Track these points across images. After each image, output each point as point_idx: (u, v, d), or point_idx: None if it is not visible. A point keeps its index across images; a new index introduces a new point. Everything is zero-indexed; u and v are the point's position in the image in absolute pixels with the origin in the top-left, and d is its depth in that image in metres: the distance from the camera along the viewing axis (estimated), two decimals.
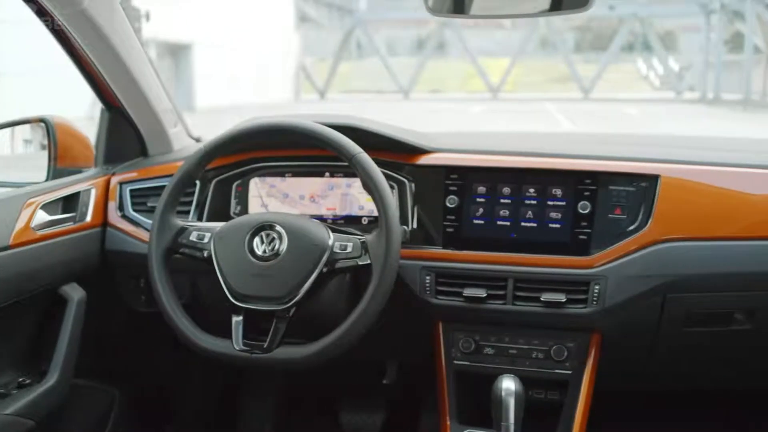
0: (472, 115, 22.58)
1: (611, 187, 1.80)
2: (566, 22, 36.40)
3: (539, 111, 24.03)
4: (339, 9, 39.18)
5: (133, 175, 2.11)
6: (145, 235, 1.98)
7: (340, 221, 1.95)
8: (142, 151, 2.22)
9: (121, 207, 2.07)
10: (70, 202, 1.98)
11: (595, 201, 1.79)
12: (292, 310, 1.63)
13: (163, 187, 1.79)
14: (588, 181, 1.80)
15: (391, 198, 1.64)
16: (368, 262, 1.63)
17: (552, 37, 35.88)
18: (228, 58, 26.33)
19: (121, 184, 2.09)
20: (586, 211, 1.79)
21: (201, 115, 18.50)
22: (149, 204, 2.04)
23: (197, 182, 1.98)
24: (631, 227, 1.77)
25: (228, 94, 25.36)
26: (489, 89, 33.95)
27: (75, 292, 1.94)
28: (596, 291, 1.74)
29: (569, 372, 1.81)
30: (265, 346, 1.62)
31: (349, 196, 1.96)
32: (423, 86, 36.44)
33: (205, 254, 1.71)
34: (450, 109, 24.45)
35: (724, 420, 2.51)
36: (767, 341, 1.89)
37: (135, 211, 2.06)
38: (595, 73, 34.12)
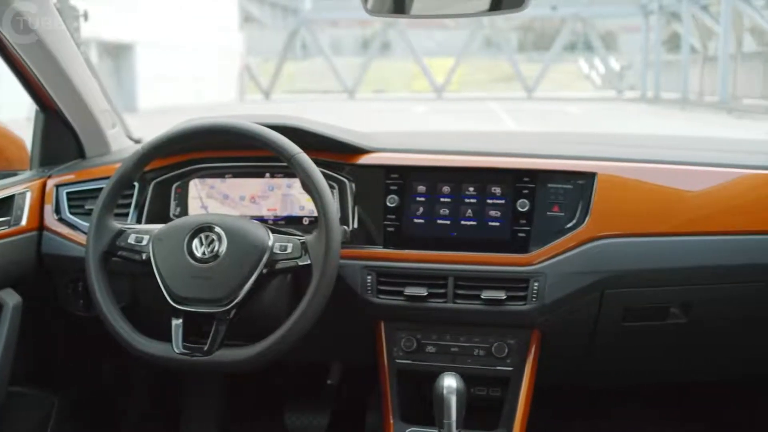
0: (417, 114, 22.65)
1: (549, 185, 1.82)
2: (509, 22, 36.73)
3: (484, 110, 24.20)
4: (283, 9, 38.97)
5: (69, 177, 2.07)
6: (82, 239, 1.95)
7: (281, 222, 1.95)
8: (80, 153, 2.18)
9: (57, 210, 2.03)
10: (4, 206, 1.94)
11: (533, 199, 1.81)
12: (233, 312, 1.62)
13: (100, 189, 1.77)
14: (527, 179, 1.82)
15: (331, 198, 1.65)
16: (308, 262, 1.63)
17: (496, 36, 36.16)
18: (171, 59, 26.01)
19: (57, 186, 2.05)
20: (525, 209, 1.81)
21: (144, 117, 18.26)
22: (87, 207, 2.01)
23: (136, 184, 1.96)
24: (569, 224, 1.79)
25: (172, 94, 25.04)
26: (434, 89, 34.07)
27: (10, 298, 1.91)
28: (535, 288, 1.76)
29: (510, 369, 1.83)
30: (206, 348, 1.61)
31: (290, 197, 1.96)
32: (368, 86, 36.43)
33: (144, 257, 1.69)
34: (395, 109, 24.48)
35: (664, 414, 2.56)
36: (703, 335, 1.93)
37: (72, 214, 2.02)
38: (539, 73, 34.48)
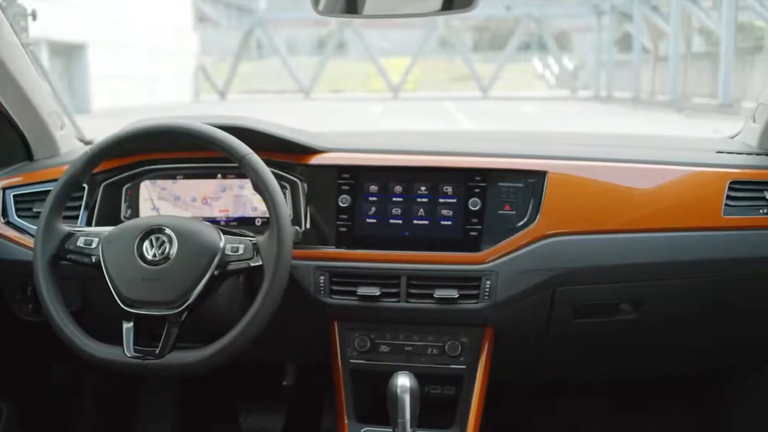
0: (373, 114, 22.68)
1: (501, 184, 1.83)
2: (464, 22, 36.96)
3: (439, 110, 24.33)
4: (238, 9, 38.72)
5: (17, 179, 2.04)
6: (30, 242, 1.91)
7: (233, 223, 1.94)
8: (27, 155, 2.15)
9: (4, 213, 2.00)
10: None
11: (485, 198, 1.83)
12: (185, 315, 1.60)
13: (48, 191, 1.74)
14: (478, 178, 1.84)
15: (282, 199, 1.64)
16: (260, 263, 1.62)
17: (451, 36, 36.36)
18: (125, 59, 25.73)
19: (4, 189, 2.02)
20: (477, 208, 1.82)
21: (97, 118, 18.04)
22: (35, 210, 1.98)
23: (85, 186, 1.93)
24: (521, 223, 1.81)
25: (126, 95, 24.77)
26: (390, 89, 34.17)
27: None
28: (487, 286, 1.78)
29: (464, 367, 1.84)
30: (157, 351, 1.60)
31: (242, 198, 1.95)
32: (324, 86, 36.42)
33: (93, 260, 1.67)
34: (351, 108, 24.50)
35: (615, 410, 2.59)
36: (652, 330, 1.96)
37: (20, 217, 1.99)
38: (494, 72, 34.76)
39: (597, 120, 20.19)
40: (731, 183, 1.85)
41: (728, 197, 1.84)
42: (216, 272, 1.62)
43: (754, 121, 2.11)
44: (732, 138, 2.27)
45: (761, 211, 1.85)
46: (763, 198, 1.86)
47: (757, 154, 2.04)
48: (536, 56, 39.99)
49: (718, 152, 2.05)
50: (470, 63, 34.97)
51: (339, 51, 38.61)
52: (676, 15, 25.34)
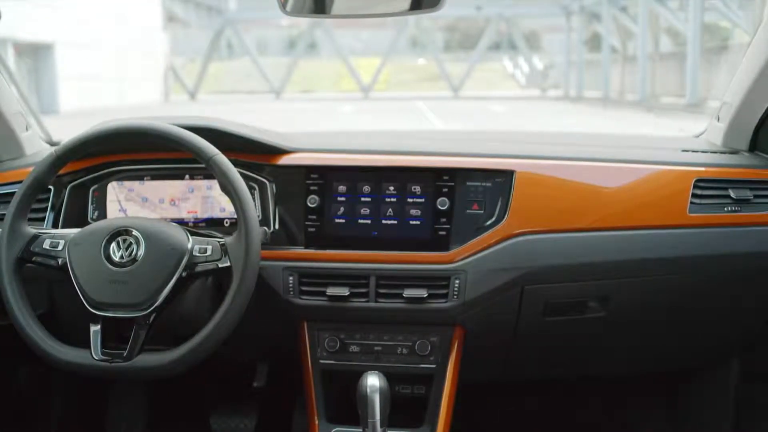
0: (344, 114, 22.66)
1: (469, 183, 1.84)
2: (435, 22, 37.05)
3: (410, 109, 24.35)
4: (208, 9, 38.50)
5: None
6: None
7: (201, 224, 1.93)
8: None
9: None
10: None
11: (453, 197, 1.83)
12: (152, 317, 1.60)
13: (13, 193, 1.72)
14: (446, 177, 1.84)
15: (250, 199, 1.64)
16: (228, 264, 1.61)
17: (421, 37, 36.43)
18: (94, 59, 25.48)
19: None
20: (445, 207, 1.83)
21: (65, 118, 17.86)
22: None
23: (51, 188, 1.91)
24: (489, 222, 1.82)
25: (95, 95, 24.54)
26: (361, 88, 34.17)
27: None
28: (456, 285, 1.78)
29: (433, 366, 1.85)
30: (125, 354, 1.59)
31: (211, 199, 1.94)
32: (295, 86, 36.32)
33: (60, 262, 1.65)
34: (321, 108, 24.47)
35: (586, 407, 2.61)
36: (621, 327, 1.98)
37: None
38: (464, 72, 34.87)
39: (567, 119, 20.31)
40: (696, 181, 1.88)
41: (693, 195, 1.86)
42: (184, 274, 1.61)
43: (718, 120, 2.14)
44: (697, 137, 2.30)
45: (726, 208, 1.87)
46: (728, 196, 1.88)
47: (722, 153, 2.07)
48: (506, 56, 40.18)
49: (684, 151, 2.07)
50: (441, 63, 35.05)
51: (310, 51, 38.55)
52: (644, 15, 25.57)
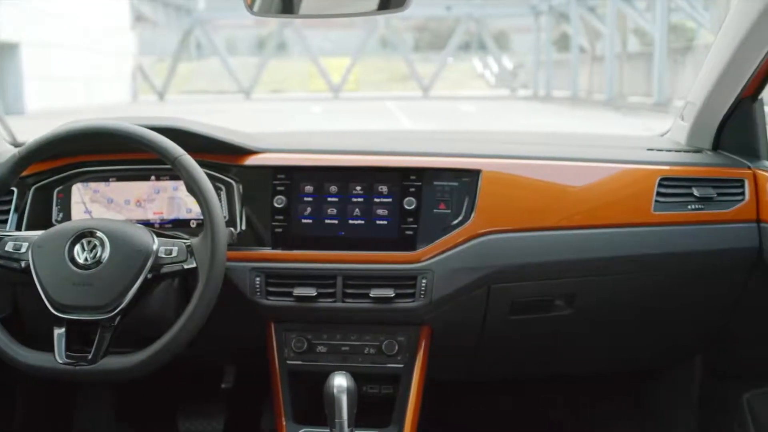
0: (314, 114, 22.62)
1: (435, 183, 1.85)
2: (405, 22, 37.12)
3: (380, 109, 24.36)
4: (176, 8, 38.25)
5: None
6: None
7: (167, 225, 1.92)
8: None
9: None
10: None
11: (420, 197, 1.83)
12: (118, 319, 1.59)
13: None
14: (413, 177, 1.84)
15: (216, 200, 1.63)
16: (194, 265, 1.61)
17: (391, 36, 36.43)
18: (61, 59, 25.20)
19: None
20: (412, 207, 1.83)
21: (32, 119, 17.65)
22: None
23: (14, 189, 1.89)
24: (455, 221, 1.82)
25: (62, 96, 24.26)
26: (331, 89, 34.11)
27: None
28: (423, 285, 1.79)
29: (401, 366, 1.85)
30: (90, 357, 1.58)
31: (177, 200, 1.93)
32: (265, 86, 36.18)
33: (23, 265, 1.64)
34: (291, 109, 24.40)
35: (553, 405, 2.63)
36: (586, 325, 2.00)
37: None
38: (434, 72, 34.94)
39: (535, 118, 20.43)
40: (661, 180, 1.90)
41: (658, 194, 1.88)
42: (149, 275, 1.60)
43: (682, 119, 2.16)
44: (662, 136, 2.32)
45: (689, 206, 1.89)
46: (692, 194, 1.90)
47: (686, 151, 2.09)
48: (476, 56, 40.34)
49: (649, 150, 2.09)
50: (411, 63, 35.10)
51: (279, 51, 38.44)
52: (611, 16, 25.79)
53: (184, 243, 1.64)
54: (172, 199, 1.93)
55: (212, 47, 35.43)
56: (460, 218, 1.83)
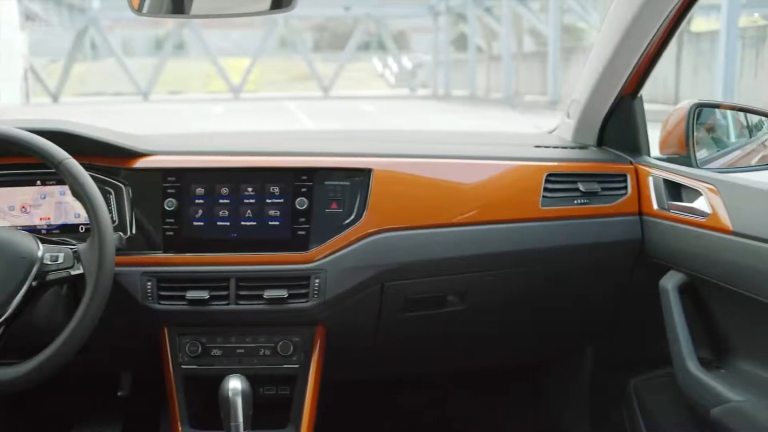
0: (214, 115, 22.34)
1: (327, 183, 1.85)
2: (304, 21, 37.01)
3: (281, 110, 24.25)
4: (69, 7, 37.11)
5: None
6: None
7: (55, 231, 1.86)
8: None
9: None
10: None
11: (311, 197, 1.83)
12: (2, 329, 1.54)
13: None
14: (304, 177, 1.84)
15: (102, 204, 1.60)
16: (81, 271, 1.57)
17: (291, 36, 36.28)
18: None
19: None
20: (304, 207, 1.83)
21: None
22: None
23: None
24: (347, 220, 1.83)
25: None
26: (230, 89, 33.77)
27: None
28: (317, 284, 1.79)
29: (296, 366, 1.85)
30: None
31: (64, 205, 1.88)
32: (163, 87, 35.56)
33: None
34: (191, 110, 24.04)
35: (455, 401, 2.67)
36: (479, 320, 2.03)
37: None
38: (334, 72, 34.97)
39: (435, 116, 20.67)
40: (548, 175, 1.94)
41: (545, 189, 1.93)
42: (34, 283, 1.56)
43: (568, 117, 2.22)
44: (550, 133, 2.38)
45: (575, 201, 1.95)
46: (577, 189, 1.96)
47: (572, 148, 2.15)
48: (376, 56, 40.55)
49: (537, 147, 2.15)
50: (311, 63, 35.05)
51: (178, 51, 37.76)
52: (507, 16, 26.33)
53: (71, 249, 1.60)
54: (59, 204, 1.88)
55: (108, 48, 34.57)
56: (352, 217, 1.83)
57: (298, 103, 27.36)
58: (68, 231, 1.86)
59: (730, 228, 1.64)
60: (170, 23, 33.16)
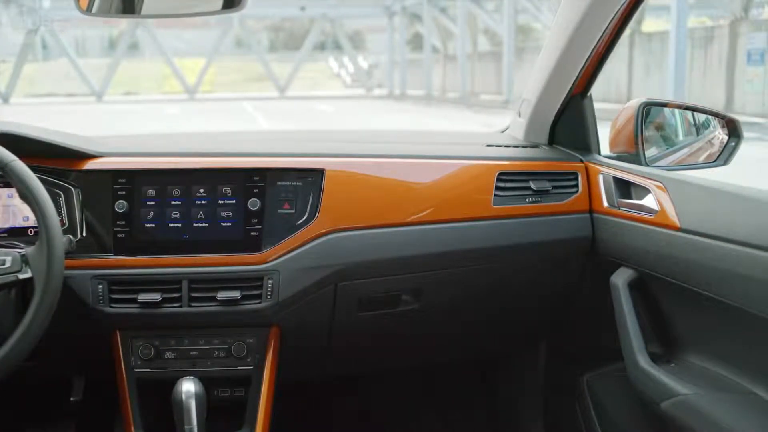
0: (169, 116, 22.15)
1: (279, 183, 1.84)
2: (259, 22, 36.87)
3: (237, 110, 24.13)
4: (19, 6, 36.50)
5: None
6: None
7: (3, 234, 1.83)
8: None
9: None
10: None
11: (264, 197, 1.82)
12: None
13: None
14: (256, 178, 1.83)
15: (51, 207, 1.57)
16: (29, 275, 1.55)
17: (246, 37, 36.11)
18: None
19: None
20: (256, 208, 1.82)
21: None
22: None
23: None
24: (300, 221, 1.82)
25: None
26: (186, 90, 33.51)
27: None
28: (270, 285, 1.78)
29: (251, 367, 1.84)
30: None
31: (12, 208, 1.85)
32: (117, 88, 35.16)
33: None
34: (145, 111, 23.81)
35: (412, 398, 2.67)
36: (433, 318, 2.04)
37: None
38: (290, 72, 34.88)
39: (390, 116, 20.71)
40: (499, 174, 1.95)
41: (497, 188, 1.94)
42: None
43: (519, 116, 2.24)
44: (502, 132, 2.39)
45: (527, 199, 1.96)
46: (529, 187, 1.98)
47: (523, 147, 2.17)
48: (332, 56, 40.53)
49: (488, 146, 2.16)
50: (266, 63, 34.92)
51: (132, 52, 37.39)
52: (462, 16, 26.48)
53: (19, 252, 1.57)
54: (7, 207, 1.85)
55: (60, 48, 34.08)
56: (304, 218, 1.83)
57: (255, 103, 27.25)
58: (17, 235, 1.83)
59: (678, 224, 1.67)
60: (123, 23, 32.81)
